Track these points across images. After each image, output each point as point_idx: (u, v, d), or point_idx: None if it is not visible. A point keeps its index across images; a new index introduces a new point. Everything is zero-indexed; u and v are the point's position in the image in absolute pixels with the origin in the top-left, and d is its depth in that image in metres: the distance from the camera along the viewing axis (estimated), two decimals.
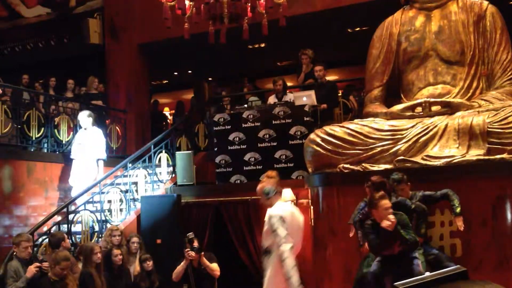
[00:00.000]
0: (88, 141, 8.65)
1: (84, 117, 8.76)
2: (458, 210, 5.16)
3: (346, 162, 6.11)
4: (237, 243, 7.49)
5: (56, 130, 9.26)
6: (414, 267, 4.57)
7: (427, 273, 1.46)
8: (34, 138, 8.86)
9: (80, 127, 8.89)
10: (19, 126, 8.66)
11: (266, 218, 4.15)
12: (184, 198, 7.86)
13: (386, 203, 4.61)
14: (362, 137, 6.11)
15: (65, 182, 8.87)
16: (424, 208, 5.21)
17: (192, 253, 5.86)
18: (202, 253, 6.02)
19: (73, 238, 7.60)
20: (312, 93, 8.09)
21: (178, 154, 8.74)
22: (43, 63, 12.42)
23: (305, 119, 7.81)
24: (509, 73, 6.48)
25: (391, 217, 4.53)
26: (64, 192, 8.88)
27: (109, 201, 8.27)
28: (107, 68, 11.71)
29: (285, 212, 4.12)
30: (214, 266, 6.09)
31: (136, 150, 9.54)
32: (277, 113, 7.95)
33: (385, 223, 4.52)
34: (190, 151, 8.91)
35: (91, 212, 7.98)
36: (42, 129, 8.99)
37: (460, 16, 6.65)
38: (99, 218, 7.99)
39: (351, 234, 5.50)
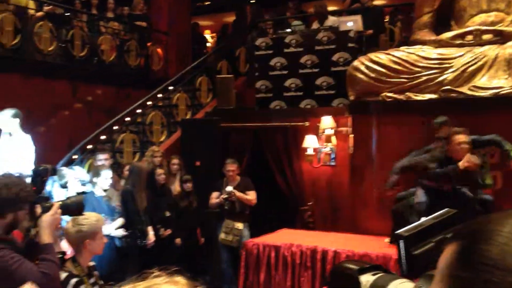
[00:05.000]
0: (15, 152, 5.45)
1: (8, 118, 5.47)
2: None
3: (390, 91, 5.96)
4: (274, 169, 7.56)
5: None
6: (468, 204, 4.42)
7: (423, 219, 1.41)
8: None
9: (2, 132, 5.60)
10: (63, 45, 8.74)
11: None
12: (223, 122, 7.90)
13: (459, 138, 4.47)
14: (408, 65, 5.92)
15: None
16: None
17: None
18: (234, 192, 6.24)
19: (116, 156, 7.86)
20: (358, 18, 7.79)
21: (219, 78, 8.70)
22: None
23: (349, 45, 7.57)
24: None
25: (473, 158, 4.38)
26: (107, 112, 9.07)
27: (151, 123, 8.42)
28: None
29: None
30: (250, 196, 6.31)
31: (177, 73, 9.56)
32: (320, 38, 7.72)
33: (465, 163, 4.39)
34: (230, 76, 8.85)
35: (133, 132, 8.16)
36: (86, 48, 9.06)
37: None
38: (141, 139, 8.20)
39: (390, 194, 5.38)
